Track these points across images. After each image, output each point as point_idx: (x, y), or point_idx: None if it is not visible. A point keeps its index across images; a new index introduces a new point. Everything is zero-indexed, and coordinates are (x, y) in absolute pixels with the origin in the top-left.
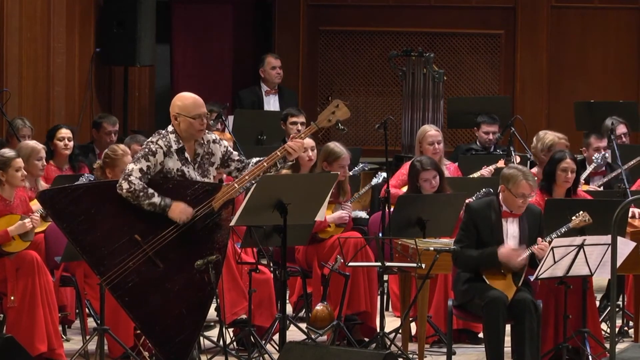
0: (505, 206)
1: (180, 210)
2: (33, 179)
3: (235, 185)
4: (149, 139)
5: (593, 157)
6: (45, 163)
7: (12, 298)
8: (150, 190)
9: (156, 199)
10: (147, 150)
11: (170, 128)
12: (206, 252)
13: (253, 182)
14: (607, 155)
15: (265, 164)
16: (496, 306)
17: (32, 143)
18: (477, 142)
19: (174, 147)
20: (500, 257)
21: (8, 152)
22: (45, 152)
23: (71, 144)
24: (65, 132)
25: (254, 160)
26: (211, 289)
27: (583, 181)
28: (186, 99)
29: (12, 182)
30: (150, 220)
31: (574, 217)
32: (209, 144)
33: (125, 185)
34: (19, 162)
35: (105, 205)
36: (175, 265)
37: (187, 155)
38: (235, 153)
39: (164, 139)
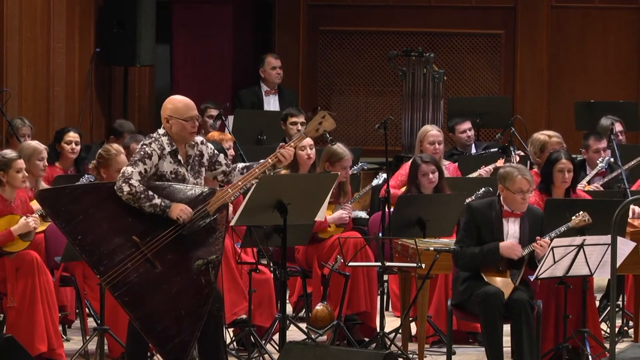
0: (506, 206)
1: (180, 209)
2: (34, 179)
3: (229, 190)
4: (142, 142)
5: (597, 161)
6: (46, 164)
7: (11, 298)
8: (151, 193)
9: (157, 200)
10: (142, 153)
11: (161, 131)
12: (202, 255)
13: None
14: (611, 159)
15: (257, 170)
16: (492, 301)
17: (34, 143)
18: (457, 148)
19: (167, 149)
20: (502, 249)
21: (9, 153)
22: (49, 154)
23: (78, 147)
24: (73, 136)
25: (240, 165)
26: (210, 289)
27: (586, 183)
28: (178, 102)
29: (13, 183)
30: (148, 221)
31: (573, 217)
32: (198, 146)
33: (126, 188)
34: (21, 163)
35: (103, 205)
36: (172, 267)
37: (180, 157)
38: (222, 156)
39: (156, 142)
